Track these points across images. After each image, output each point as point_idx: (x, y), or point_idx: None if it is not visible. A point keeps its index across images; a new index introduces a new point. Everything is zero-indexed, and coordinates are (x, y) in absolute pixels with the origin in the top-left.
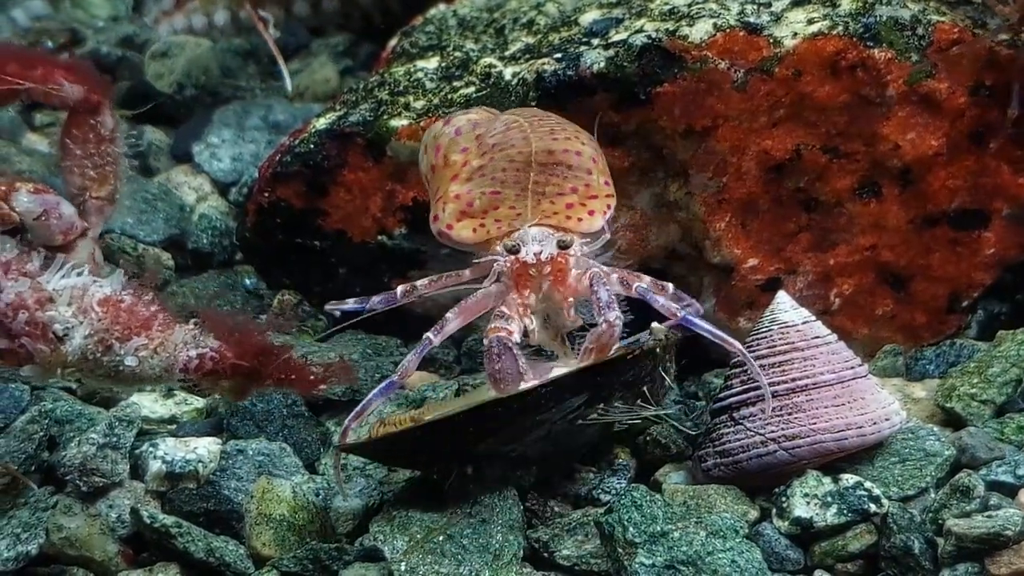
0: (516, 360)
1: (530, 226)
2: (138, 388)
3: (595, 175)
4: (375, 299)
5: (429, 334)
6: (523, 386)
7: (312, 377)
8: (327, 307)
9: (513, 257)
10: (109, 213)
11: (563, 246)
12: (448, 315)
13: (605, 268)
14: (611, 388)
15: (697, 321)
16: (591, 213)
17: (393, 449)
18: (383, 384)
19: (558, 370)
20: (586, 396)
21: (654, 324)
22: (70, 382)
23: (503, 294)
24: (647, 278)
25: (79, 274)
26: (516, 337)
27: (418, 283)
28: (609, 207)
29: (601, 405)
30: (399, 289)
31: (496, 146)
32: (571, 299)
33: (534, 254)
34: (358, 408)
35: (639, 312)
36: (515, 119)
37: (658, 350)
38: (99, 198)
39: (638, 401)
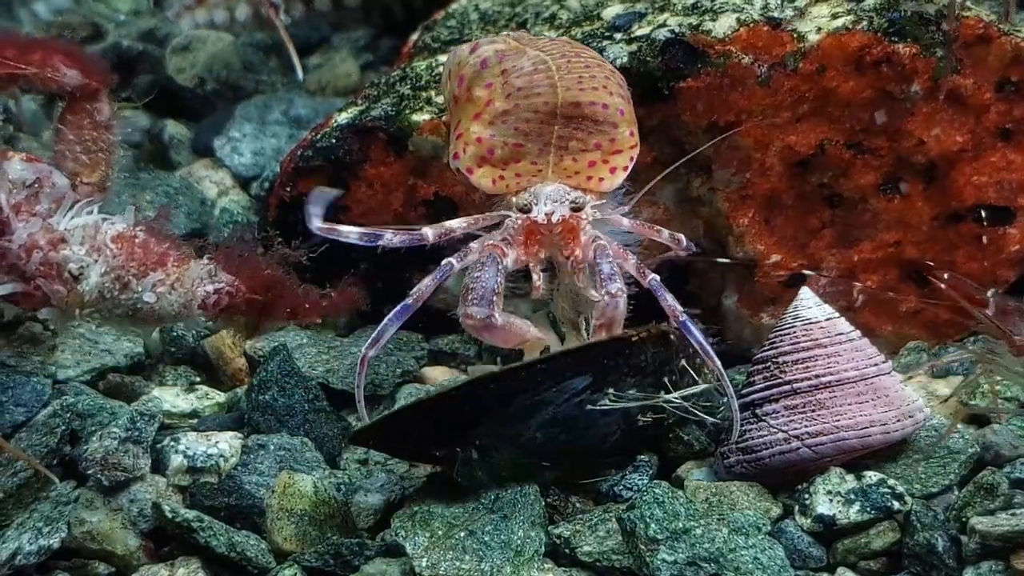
0: (496, 279)
1: (548, 184)
2: (158, 325)
3: (621, 127)
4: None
5: (451, 259)
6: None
7: (325, 304)
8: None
9: (524, 215)
10: (99, 200)
11: (576, 208)
12: (472, 245)
13: (623, 250)
14: (619, 372)
15: (693, 329)
16: (612, 171)
17: (398, 434)
18: (398, 308)
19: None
20: (590, 378)
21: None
22: (90, 323)
23: (513, 243)
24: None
25: (89, 212)
26: (508, 260)
27: (449, 223)
28: (632, 159)
29: (611, 390)
30: (428, 231)
31: (521, 90)
32: (577, 262)
33: (545, 214)
34: (375, 335)
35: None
36: (543, 58)
37: (672, 336)
38: (89, 184)
39: (661, 392)
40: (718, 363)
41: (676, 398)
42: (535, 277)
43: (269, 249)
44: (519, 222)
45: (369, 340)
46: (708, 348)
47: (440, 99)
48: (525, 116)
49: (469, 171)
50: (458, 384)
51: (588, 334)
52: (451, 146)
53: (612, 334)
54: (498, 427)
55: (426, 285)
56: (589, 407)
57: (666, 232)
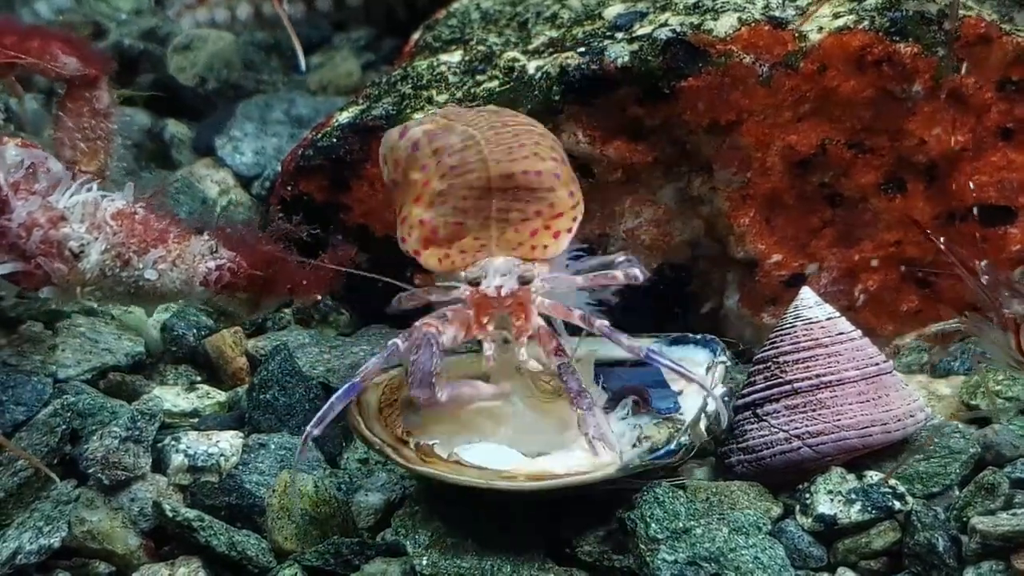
0: (432, 361)
1: (497, 258)
2: (160, 303)
3: (559, 190)
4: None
5: (397, 340)
6: (516, 484)
7: (321, 274)
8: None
9: (474, 288)
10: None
11: (524, 281)
12: (416, 323)
13: (566, 307)
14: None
15: (658, 358)
16: (556, 236)
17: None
18: (345, 386)
19: (557, 461)
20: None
21: (698, 428)
22: (91, 302)
23: (463, 317)
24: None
25: (89, 190)
26: (445, 340)
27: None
28: (575, 219)
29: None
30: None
31: (454, 168)
32: (529, 332)
33: (495, 287)
34: (320, 413)
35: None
36: (471, 133)
37: (681, 452)
38: (88, 172)
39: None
40: (694, 375)
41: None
42: (487, 347)
43: (269, 225)
44: (468, 295)
45: (314, 419)
46: (680, 369)
47: (442, 98)
48: (462, 194)
49: (416, 253)
50: (460, 483)
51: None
52: (398, 230)
53: (608, 442)
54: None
55: (373, 363)
56: None
57: (620, 274)
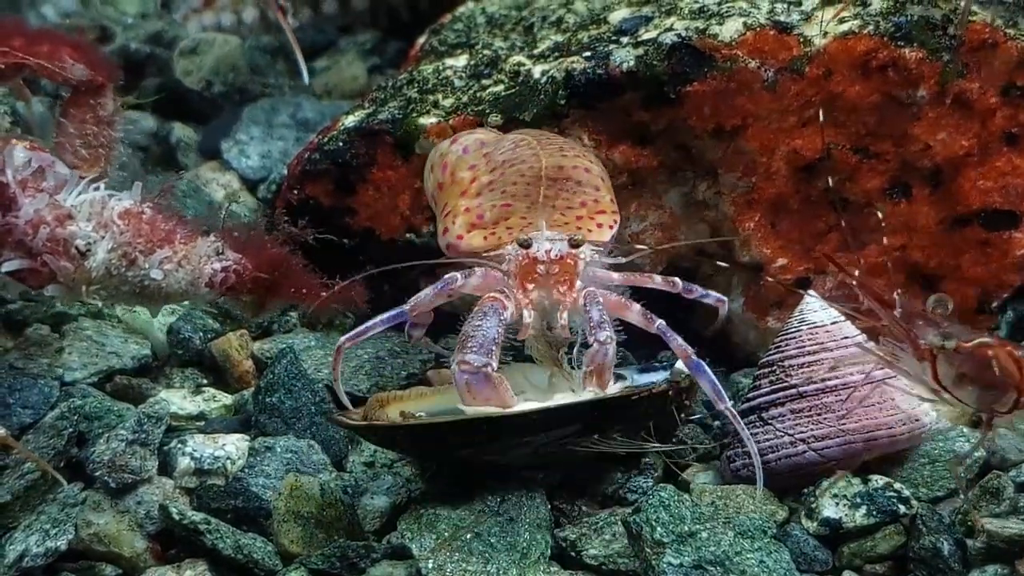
0: (497, 330)
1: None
2: (165, 304)
3: (603, 192)
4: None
5: (457, 274)
6: (520, 407)
7: (324, 291)
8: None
9: (524, 251)
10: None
11: (574, 244)
12: (476, 270)
13: (625, 300)
14: (610, 423)
15: (706, 369)
16: (599, 226)
17: (381, 437)
18: (392, 312)
19: (559, 397)
20: (579, 426)
21: (678, 365)
22: (96, 301)
23: (507, 284)
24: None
25: (96, 189)
26: (508, 313)
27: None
28: (615, 223)
29: (596, 436)
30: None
31: (506, 162)
32: (570, 304)
33: (545, 251)
34: (360, 328)
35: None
36: (524, 137)
37: (670, 392)
38: (87, 179)
39: (641, 433)
40: (729, 404)
41: (657, 448)
42: (526, 315)
43: (275, 228)
44: (518, 257)
45: (351, 332)
46: (720, 389)
47: (448, 102)
48: (512, 180)
49: (460, 237)
50: (455, 420)
51: (566, 367)
52: (440, 226)
53: (602, 380)
54: (480, 455)
55: (425, 294)
56: (570, 447)
57: (658, 277)
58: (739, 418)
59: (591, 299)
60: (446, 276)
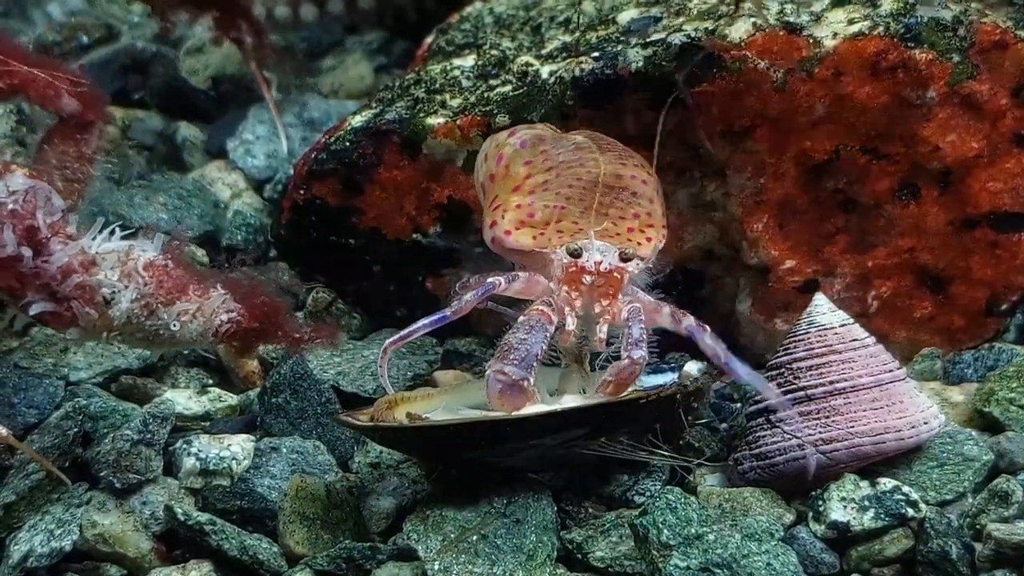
0: (541, 346)
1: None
2: (169, 348)
3: (656, 205)
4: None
5: (500, 278)
6: (528, 410)
7: (299, 336)
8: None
9: (572, 260)
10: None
11: (625, 259)
12: (520, 274)
13: (656, 301)
14: (617, 426)
15: (740, 366)
16: (648, 240)
17: (386, 438)
18: (435, 316)
19: (568, 399)
20: (587, 429)
21: (686, 368)
22: (112, 344)
23: (550, 290)
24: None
25: (120, 238)
26: (551, 327)
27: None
28: (663, 239)
29: (603, 439)
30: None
31: (564, 163)
32: (609, 317)
33: (595, 262)
34: (404, 332)
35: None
36: (584, 140)
37: (678, 395)
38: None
39: (648, 436)
40: (773, 391)
41: (665, 454)
42: (569, 321)
43: (269, 262)
44: (566, 265)
45: (396, 336)
46: (760, 381)
47: (455, 102)
48: (568, 182)
49: (507, 233)
50: (461, 422)
51: (587, 366)
52: (486, 218)
53: (619, 392)
54: (486, 456)
55: (467, 300)
56: (577, 449)
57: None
58: (790, 406)
59: (635, 315)
60: (488, 281)
